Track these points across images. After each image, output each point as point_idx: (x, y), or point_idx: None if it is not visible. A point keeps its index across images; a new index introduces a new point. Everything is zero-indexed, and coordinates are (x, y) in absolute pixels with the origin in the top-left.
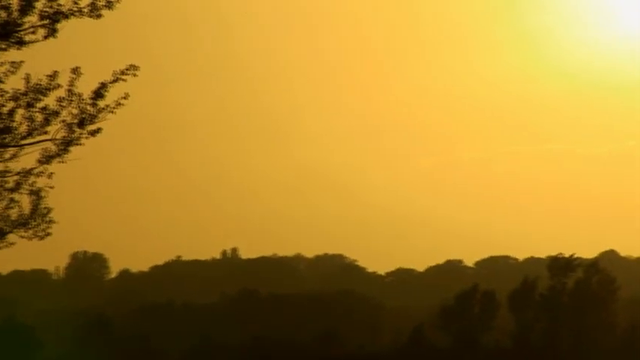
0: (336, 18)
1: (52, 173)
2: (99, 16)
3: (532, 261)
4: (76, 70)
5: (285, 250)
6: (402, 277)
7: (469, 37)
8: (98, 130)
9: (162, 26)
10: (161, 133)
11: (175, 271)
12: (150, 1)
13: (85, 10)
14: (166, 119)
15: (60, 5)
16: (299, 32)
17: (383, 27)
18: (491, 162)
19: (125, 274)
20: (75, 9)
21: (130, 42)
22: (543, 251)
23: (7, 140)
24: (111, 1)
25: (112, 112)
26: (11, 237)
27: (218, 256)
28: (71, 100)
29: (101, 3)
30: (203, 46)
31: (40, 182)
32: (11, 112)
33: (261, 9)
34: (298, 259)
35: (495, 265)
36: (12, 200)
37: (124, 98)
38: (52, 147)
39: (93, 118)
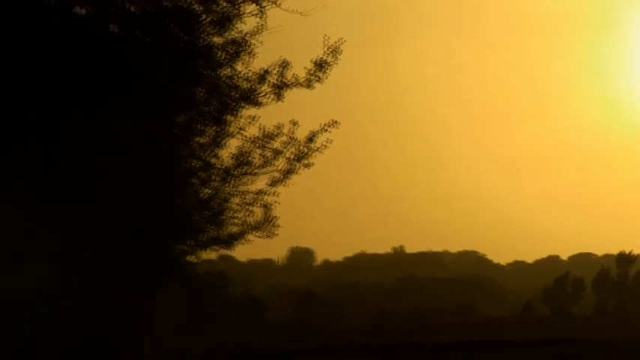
0: (474, 78)
1: (278, 193)
2: (312, 87)
3: (607, 256)
4: (294, 122)
5: (437, 247)
6: (518, 266)
7: (565, 96)
8: (310, 164)
9: (355, 86)
10: (357, 161)
11: (361, 261)
12: (344, 70)
13: (303, 82)
14: (362, 149)
15: (286, 79)
16: (450, 88)
17: (506, 87)
18: (583, 185)
19: (326, 262)
20: (295, 82)
21: (334, 98)
22: (615, 249)
23: (246, 170)
24: (320, 77)
25: (321, 152)
26: (249, 236)
27: (390, 250)
28: (291, 144)
29: (314, 78)
30: (385, 101)
31: (270, 199)
32: (250, 152)
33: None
34: (445, 253)
35: (582, 258)
36: (250, 211)
37: (329, 142)
38: (278, 175)
39: (306, 156)
